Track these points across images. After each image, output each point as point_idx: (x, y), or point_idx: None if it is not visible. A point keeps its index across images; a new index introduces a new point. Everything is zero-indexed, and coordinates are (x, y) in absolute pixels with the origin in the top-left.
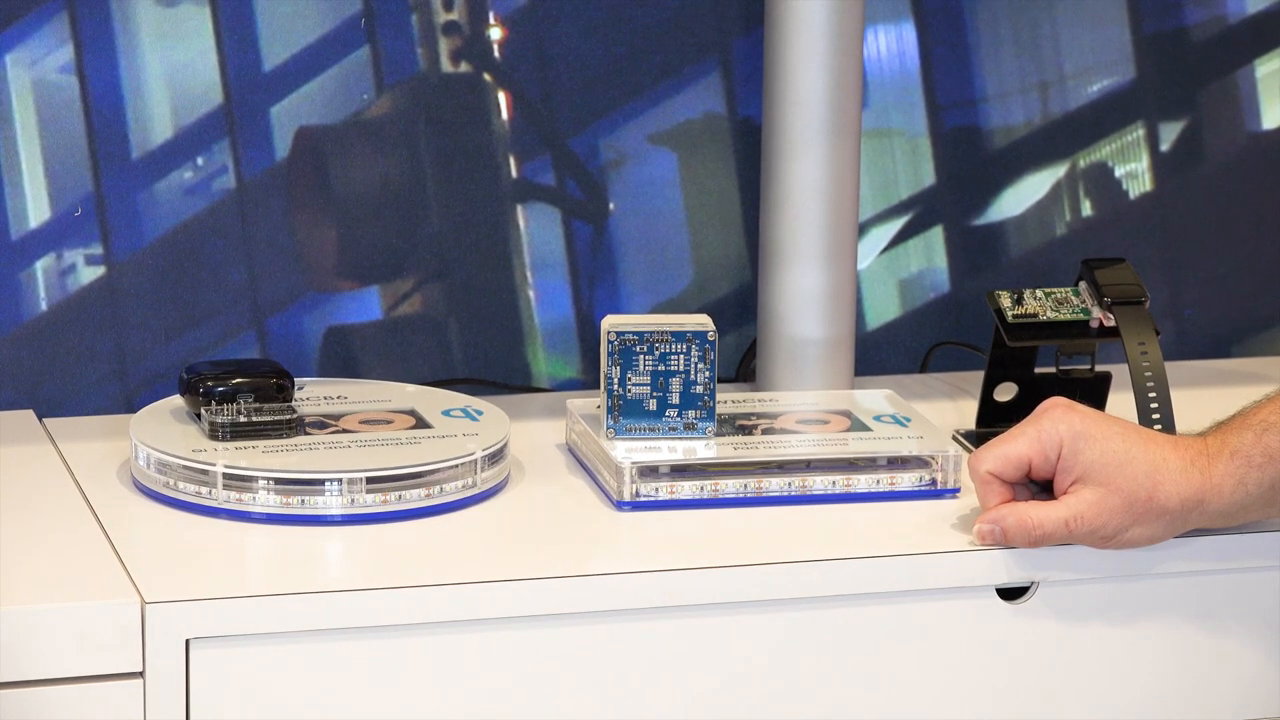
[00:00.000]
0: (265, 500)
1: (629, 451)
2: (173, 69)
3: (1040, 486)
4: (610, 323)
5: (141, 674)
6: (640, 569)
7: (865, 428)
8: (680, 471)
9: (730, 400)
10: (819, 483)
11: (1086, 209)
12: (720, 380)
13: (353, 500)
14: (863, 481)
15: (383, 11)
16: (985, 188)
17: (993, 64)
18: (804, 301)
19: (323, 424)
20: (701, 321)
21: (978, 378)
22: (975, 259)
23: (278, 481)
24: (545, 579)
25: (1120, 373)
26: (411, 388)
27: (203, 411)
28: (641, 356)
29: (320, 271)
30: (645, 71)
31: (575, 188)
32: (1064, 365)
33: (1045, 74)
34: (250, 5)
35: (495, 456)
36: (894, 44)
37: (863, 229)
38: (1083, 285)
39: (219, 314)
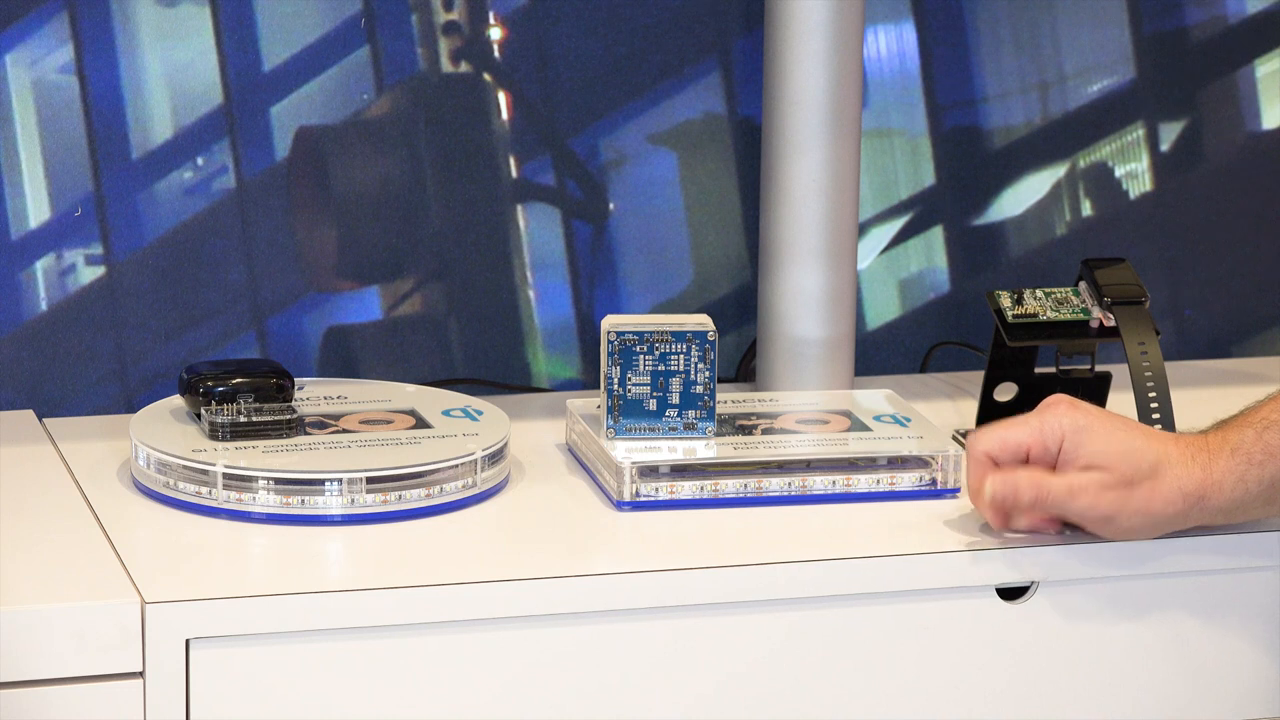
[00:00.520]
0: (265, 500)
1: (629, 451)
2: (173, 69)
3: None
4: (610, 323)
5: (141, 674)
6: (640, 569)
7: (865, 428)
8: (680, 471)
9: (730, 400)
10: (819, 483)
11: (1086, 209)
12: (720, 380)
13: (353, 500)
14: (863, 481)
15: (383, 11)
16: (985, 188)
17: (993, 64)
18: (804, 301)
19: (323, 424)
20: (701, 321)
21: (978, 378)
22: (975, 259)
23: (278, 481)
24: (545, 579)
25: (1120, 373)
26: (411, 388)
27: (203, 411)
28: (641, 356)
29: (320, 271)
30: (645, 71)
31: (575, 188)
32: (1064, 365)
33: (1045, 74)
34: (250, 5)
35: (495, 456)
36: (894, 44)
37: (863, 229)
38: (1083, 285)
39: (219, 314)
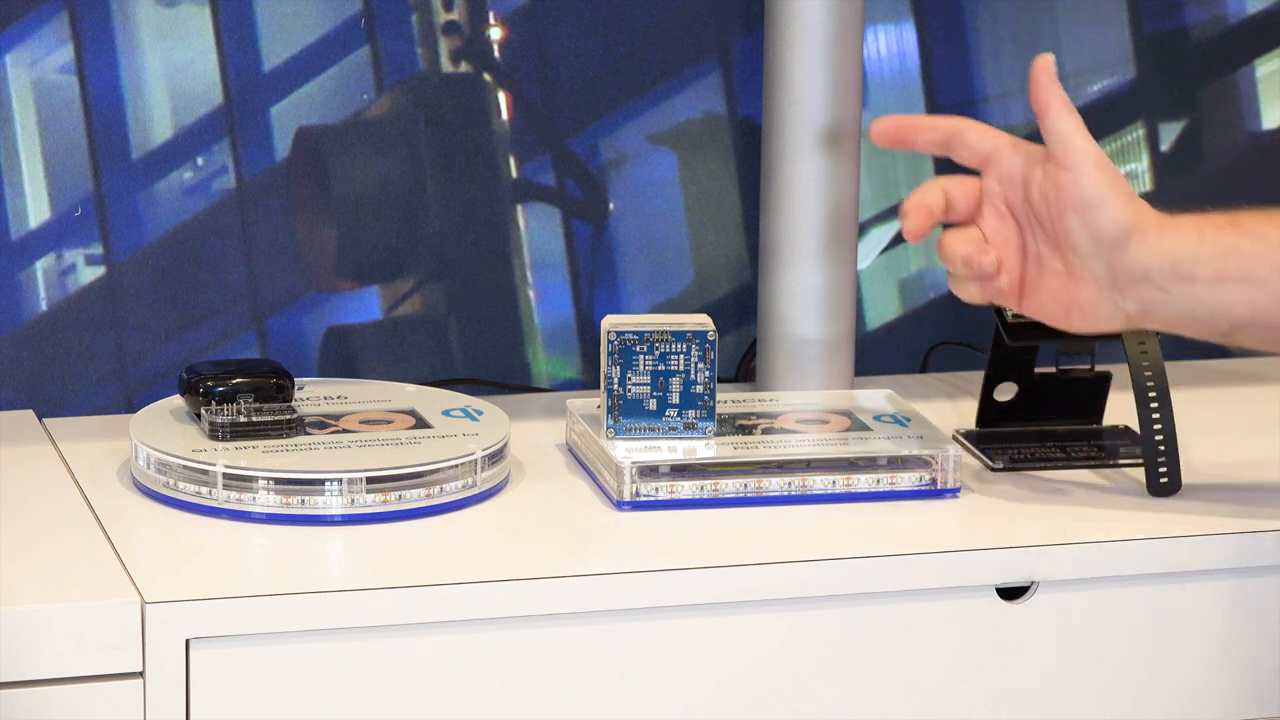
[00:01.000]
0: (265, 500)
1: (629, 451)
2: (173, 69)
3: None
4: (610, 322)
5: (141, 674)
6: (640, 569)
7: (865, 428)
8: (680, 471)
9: (730, 400)
10: (819, 483)
11: None
12: (720, 380)
13: (353, 500)
14: (863, 481)
15: (383, 11)
16: None
17: (993, 64)
18: (804, 301)
19: (323, 424)
20: (701, 321)
21: (978, 378)
22: None
23: (278, 481)
24: (545, 579)
25: (1120, 373)
26: (411, 388)
27: (203, 411)
28: (641, 356)
29: (320, 271)
30: (645, 71)
31: (575, 188)
32: (1064, 365)
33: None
34: (250, 5)
35: (495, 456)
36: (894, 44)
37: (863, 229)
38: None
39: (219, 314)
